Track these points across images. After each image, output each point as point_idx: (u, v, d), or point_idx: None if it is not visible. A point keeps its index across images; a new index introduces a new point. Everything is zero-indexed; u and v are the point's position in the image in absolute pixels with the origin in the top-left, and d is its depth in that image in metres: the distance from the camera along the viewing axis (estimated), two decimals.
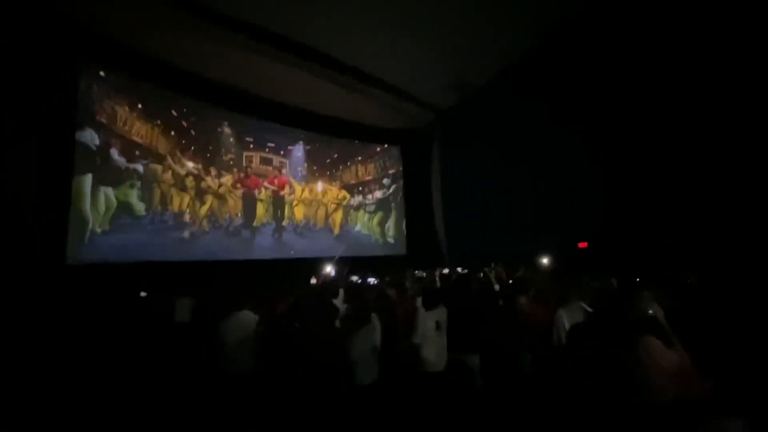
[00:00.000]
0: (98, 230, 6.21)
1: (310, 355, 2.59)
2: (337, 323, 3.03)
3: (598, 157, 6.25)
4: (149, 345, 3.57)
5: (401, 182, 11.34)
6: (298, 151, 9.65)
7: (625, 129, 5.78)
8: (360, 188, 10.75)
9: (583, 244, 6.58)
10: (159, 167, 7.16)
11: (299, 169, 9.64)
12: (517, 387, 3.07)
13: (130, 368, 3.25)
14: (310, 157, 9.81)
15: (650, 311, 2.06)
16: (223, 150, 8.29)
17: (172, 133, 7.46)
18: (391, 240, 11.04)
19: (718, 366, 1.60)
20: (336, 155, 10.34)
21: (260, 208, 8.70)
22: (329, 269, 5.63)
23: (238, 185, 8.40)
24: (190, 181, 7.60)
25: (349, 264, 6.05)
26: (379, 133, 10.82)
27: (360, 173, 10.80)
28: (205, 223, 7.75)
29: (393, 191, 11.26)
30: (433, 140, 10.66)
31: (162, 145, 7.26)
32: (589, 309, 3.01)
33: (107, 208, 6.35)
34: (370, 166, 11.01)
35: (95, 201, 6.20)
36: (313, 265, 7.12)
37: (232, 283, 4.69)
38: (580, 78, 6.46)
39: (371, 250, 10.47)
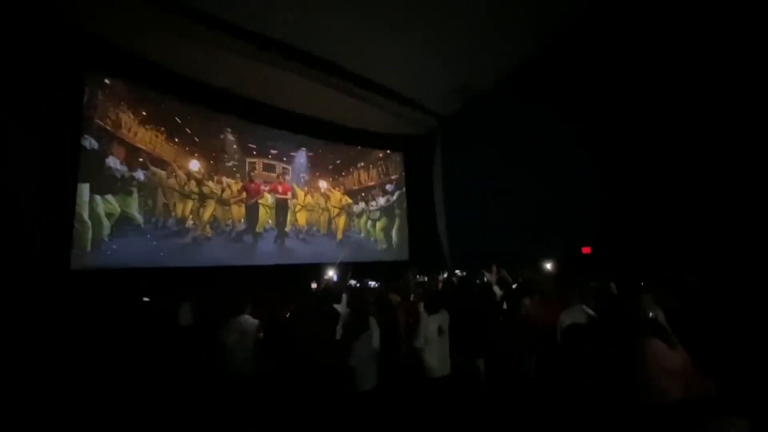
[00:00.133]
0: (101, 236, 6.26)
1: (309, 360, 2.59)
2: (339, 328, 3.04)
3: (601, 160, 6.24)
4: (152, 349, 3.58)
5: (404, 188, 11.37)
6: (301, 157, 9.72)
7: (627, 132, 5.79)
8: (363, 194, 10.78)
9: (586, 250, 6.55)
10: (162, 173, 7.23)
11: (302, 175, 9.69)
12: (521, 390, 3.05)
13: (133, 371, 3.26)
14: (312, 163, 9.87)
15: (651, 313, 2.05)
16: (227, 156, 8.36)
17: (176, 139, 7.54)
18: (393, 245, 11.04)
19: (719, 366, 1.60)
20: (339, 161, 10.39)
21: (263, 214, 8.74)
22: (331, 274, 5.64)
23: (241, 191, 8.46)
24: (193, 188, 7.66)
25: (351, 269, 6.04)
26: (381, 139, 10.86)
27: (363, 179, 10.84)
28: (207, 229, 7.79)
29: (395, 197, 11.29)
30: (435, 146, 10.71)
31: (166, 152, 7.33)
32: (591, 312, 3.01)
33: (110, 214, 6.41)
34: (373, 172, 11.05)
35: (98, 207, 6.26)
36: (315, 270, 7.14)
37: (234, 288, 4.70)
38: (581, 81, 6.48)
39: (374, 256, 10.48)
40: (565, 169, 6.89)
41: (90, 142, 6.23)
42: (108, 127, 6.50)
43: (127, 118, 6.81)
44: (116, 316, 4.30)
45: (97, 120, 6.36)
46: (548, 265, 5.52)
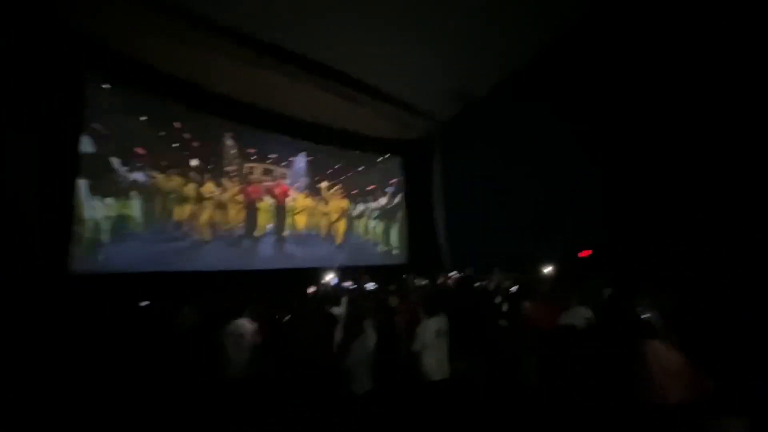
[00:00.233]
0: (99, 240, 6.24)
1: (305, 363, 2.58)
2: (337, 331, 3.03)
3: (601, 161, 6.24)
4: (150, 352, 3.56)
5: (403, 192, 11.37)
6: (300, 161, 9.71)
7: (627, 133, 5.78)
8: (362, 198, 10.78)
9: (584, 254, 6.51)
10: (161, 177, 7.23)
11: (301, 179, 9.69)
12: (521, 392, 3.03)
13: (130, 374, 3.24)
14: (312, 167, 9.87)
15: (647, 315, 2.04)
16: (225, 161, 8.36)
17: (175, 144, 7.55)
18: (393, 249, 11.03)
19: (718, 366, 1.58)
20: (338, 165, 10.39)
21: (262, 218, 8.73)
22: (329, 278, 5.63)
23: (240, 195, 8.45)
24: (191, 192, 7.65)
25: (350, 273, 6.03)
26: (381, 144, 10.88)
27: (362, 183, 10.84)
28: (206, 232, 7.78)
29: (395, 201, 11.29)
30: (434, 149, 10.72)
31: (164, 156, 7.34)
32: (590, 314, 3.00)
33: (109, 217, 6.40)
34: (373, 176, 11.04)
35: (97, 210, 6.25)
36: (314, 274, 7.13)
37: (232, 292, 4.69)
38: (582, 83, 6.48)
39: (373, 259, 10.45)
40: (564, 170, 6.88)
41: (89, 146, 6.23)
42: (107, 131, 6.50)
43: (126, 121, 6.81)
44: (114, 320, 4.27)
45: (96, 123, 6.36)
46: (547, 267, 5.52)
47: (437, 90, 8.52)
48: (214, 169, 8.11)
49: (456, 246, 10.01)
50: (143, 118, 7.06)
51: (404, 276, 7.15)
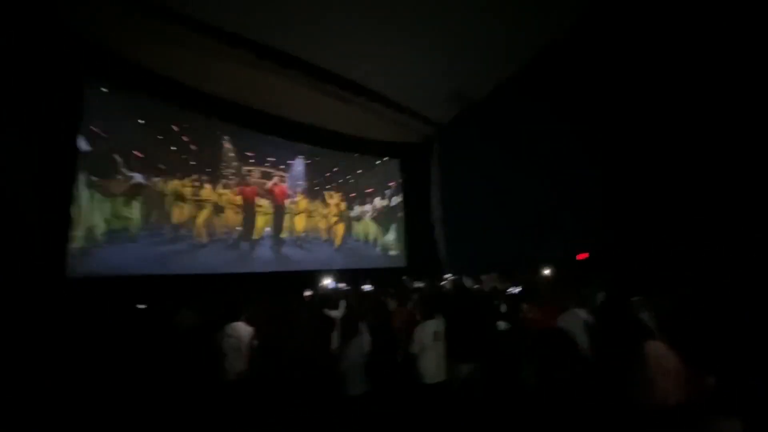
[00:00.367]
0: (96, 243, 6.23)
1: (300, 365, 2.57)
2: (335, 334, 3.02)
3: (601, 162, 6.21)
4: (148, 354, 3.54)
5: (402, 194, 11.38)
6: (299, 164, 9.71)
7: (628, 134, 5.76)
8: (360, 201, 10.78)
9: (581, 256, 6.48)
10: (159, 181, 7.22)
11: (299, 182, 9.68)
12: (520, 395, 3.00)
13: (128, 377, 3.23)
14: (310, 170, 9.87)
15: (643, 316, 2.03)
16: (224, 164, 8.35)
17: (173, 147, 7.54)
18: (391, 252, 11.01)
19: (718, 366, 1.57)
20: (336, 168, 10.39)
21: (260, 221, 8.71)
22: (327, 281, 5.62)
23: (238, 198, 8.44)
24: (189, 195, 7.64)
25: (348, 275, 6.02)
26: (379, 147, 10.89)
27: (360, 186, 10.84)
28: (204, 235, 7.76)
29: (393, 204, 11.29)
30: (433, 152, 10.73)
31: (162, 159, 7.33)
32: (587, 316, 2.97)
33: (105, 220, 6.38)
34: (371, 179, 11.05)
35: (95, 213, 6.24)
36: (312, 277, 7.11)
37: (230, 295, 4.67)
38: (582, 84, 6.46)
39: (372, 262, 10.44)
40: (564, 171, 6.85)
41: (87, 148, 6.23)
42: (106, 133, 6.50)
43: (124, 124, 6.81)
44: (111, 322, 4.25)
45: (95, 126, 6.36)
46: (546, 270, 5.50)
47: (436, 92, 8.52)
48: (212, 171, 8.11)
49: (455, 248, 9.98)
50: (141, 121, 7.07)
51: (403, 278, 7.13)
